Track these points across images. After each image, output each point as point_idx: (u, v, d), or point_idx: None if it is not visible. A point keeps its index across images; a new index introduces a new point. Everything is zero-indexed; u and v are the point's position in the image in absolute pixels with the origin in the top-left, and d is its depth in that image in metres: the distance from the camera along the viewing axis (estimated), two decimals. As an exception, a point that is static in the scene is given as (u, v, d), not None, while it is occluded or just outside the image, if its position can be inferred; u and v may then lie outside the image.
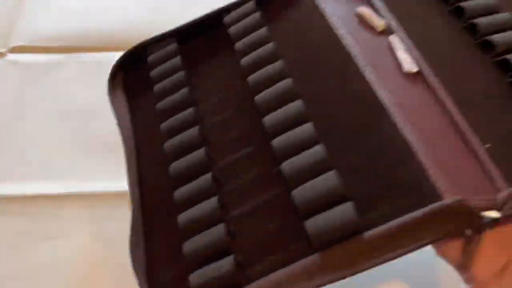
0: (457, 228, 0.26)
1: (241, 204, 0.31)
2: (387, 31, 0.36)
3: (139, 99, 0.40)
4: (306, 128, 0.31)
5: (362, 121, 0.31)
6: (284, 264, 0.27)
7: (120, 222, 0.34)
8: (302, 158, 0.29)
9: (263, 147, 0.32)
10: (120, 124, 0.37)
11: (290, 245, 0.28)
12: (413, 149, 0.29)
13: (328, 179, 0.28)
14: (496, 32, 0.33)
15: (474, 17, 0.34)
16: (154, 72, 0.39)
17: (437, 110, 0.32)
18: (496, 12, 0.35)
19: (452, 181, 0.28)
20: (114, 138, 0.37)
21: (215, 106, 0.37)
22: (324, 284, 0.26)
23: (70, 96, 0.46)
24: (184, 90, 0.36)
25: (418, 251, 0.26)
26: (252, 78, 0.35)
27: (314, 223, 0.27)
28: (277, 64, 0.35)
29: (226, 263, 0.27)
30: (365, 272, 0.26)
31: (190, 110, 0.35)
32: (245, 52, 0.37)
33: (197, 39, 0.41)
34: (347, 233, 0.26)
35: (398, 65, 0.34)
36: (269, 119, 0.32)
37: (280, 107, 0.32)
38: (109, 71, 0.41)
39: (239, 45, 0.37)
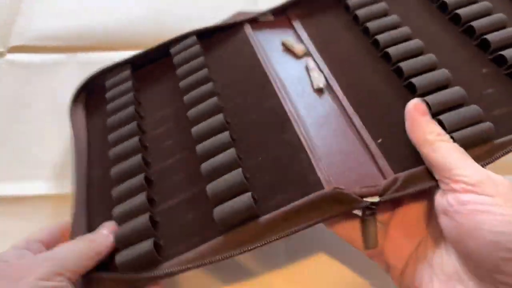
0: (342, 210, 0.31)
1: (169, 200, 0.36)
2: (306, 55, 0.42)
3: (95, 116, 0.45)
4: (224, 136, 0.36)
5: (270, 130, 0.37)
6: (197, 245, 0.31)
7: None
8: (218, 159, 0.35)
9: (192, 154, 0.37)
10: (75, 135, 0.42)
11: (204, 230, 0.33)
12: (306, 150, 0.34)
13: (235, 175, 0.33)
14: (395, 44, 0.39)
15: (377, 34, 0.40)
16: (109, 94, 0.44)
17: (340, 116, 0.37)
18: (394, 28, 0.40)
19: (341, 173, 0.33)
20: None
21: (157, 121, 0.42)
22: (230, 257, 0.30)
23: (69, 96, 0.44)
24: (131, 108, 0.42)
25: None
26: (186, 97, 0.41)
27: (220, 210, 0.32)
28: (208, 86, 0.40)
29: (146, 244, 0.32)
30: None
31: (134, 124, 0.40)
32: (184, 77, 0.43)
33: (148, 66, 0.47)
34: (246, 217, 0.31)
35: (311, 82, 0.40)
36: (196, 129, 0.37)
37: (205, 119, 0.38)
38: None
39: (179, 71, 0.43)
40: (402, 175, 0.31)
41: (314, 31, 0.44)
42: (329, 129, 0.36)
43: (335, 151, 0.35)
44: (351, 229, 0.34)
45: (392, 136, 0.34)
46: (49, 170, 0.45)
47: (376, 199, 0.31)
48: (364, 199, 0.31)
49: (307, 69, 0.41)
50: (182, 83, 0.42)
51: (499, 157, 0.31)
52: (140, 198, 0.35)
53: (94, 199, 0.38)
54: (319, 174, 0.32)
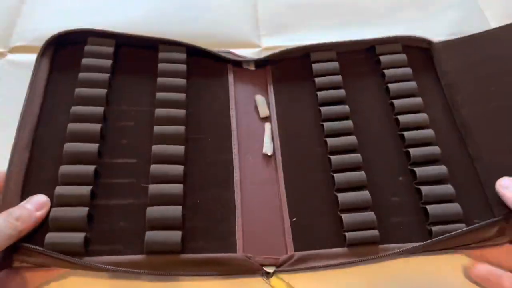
0: (244, 272, 0.39)
1: (109, 198, 0.41)
2: (267, 119, 0.49)
3: (60, 75, 0.46)
4: (177, 169, 0.42)
5: (215, 181, 0.43)
6: (120, 253, 0.38)
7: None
8: (166, 188, 0.41)
9: (145, 164, 0.42)
10: (32, 88, 0.44)
11: (131, 242, 0.39)
12: (236, 214, 0.42)
13: (175, 211, 0.40)
14: (338, 135, 0.45)
15: (325, 121, 0.46)
16: (85, 61, 0.46)
17: (274, 185, 0.44)
18: (346, 118, 0.47)
19: (256, 241, 0.41)
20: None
21: (122, 114, 0.45)
22: (140, 275, 0.37)
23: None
24: (102, 91, 0.44)
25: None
26: (157, 111, 0.44)
27: (152, 235, 0.38)
28: (180, 112, 0.45)
29: (77, 237, 0.37)
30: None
31: (99, 109, 0.43)
32: (161, 89, 0.46)
33: (133, 49, 0.49)
34: (169, 250, 0.38)
35: (261, 146, 0.47)
36: (156, 148, 0.42)
37: (167, 144, 0.43)
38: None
39: (160, 81, 0.46)
40: (298, 254, 0.39)
41: (282, 98, 0.49)
42: (262, 195, 0.43)
43: (258, 219, 0.42)
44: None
45: (305, 218, 0.42)
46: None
47: (272, 269, 0.39)
48: (263, 267, 0.39)
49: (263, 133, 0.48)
50: (158, 96, 0.46)
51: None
52: (85, 190, 0.39)
53: (36, 161, 0.41)
54: (237, 239, 0.40)
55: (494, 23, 0.58)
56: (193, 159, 0.44)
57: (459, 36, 0.52)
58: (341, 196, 0.41)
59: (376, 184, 0.43)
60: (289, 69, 0.51)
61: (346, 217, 0.40)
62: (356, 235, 0.39)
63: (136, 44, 0.49)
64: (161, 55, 0.49)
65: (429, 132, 0.45)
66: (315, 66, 0.50)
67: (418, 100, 0.47)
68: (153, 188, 0.41)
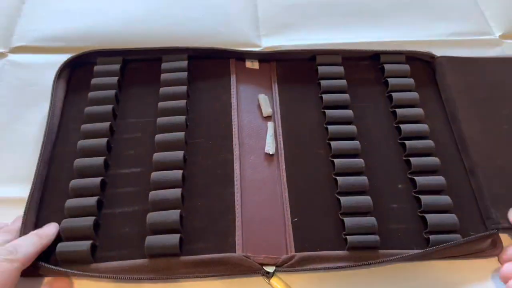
0: (244, 272, 0.39)
1: (115, 207, 0.42)
2: (270, 118, 0.48)
3: (77, 94, 0.49)
4: (176, 174, 0.42)
5: (215, 181, 0.44)
6: (126, 258, 0.39)
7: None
8: (165, 193, 0.41)
9: (149, 171, 0.43)
10: (52, 111, 0.46)
11: (136, 247, 0.40)
12: (236, 214, 0.41)
13: (173, 215, 0.40)
14: (341, 138, 0.46)
15: (329, 124, 0.47)
16: (94, 81, 0.49)
17: (276, 183, 0.44)
18: (348, 123, 0.47)
19: (256, 240, 0.40)
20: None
21: (128, 126, 0.47)
22: (147, 279, 0.38)
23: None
24: (109, 107, 0.46)
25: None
26: (159, 120, 0.46)
27: (151, 239, 0.39)
28: (181, 118, 0.46)
29: (84, 245, 0.38)
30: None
31: (106, 124, 0.45)
32: (164, 98, 0.48)
33: (140, 63, 0.51)
34: (169, 253, 0.38)
35: (264, 145, 0.46)
36: (157, 156, 0.43)
37: (168, 150, 0.44)
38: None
39: (163, 90, 0.48)
40: (299, 254, 0.39)
41: (286, 97, 0.50)
42: (263, 194, 0.43)
43: (259, 219, 0.42)
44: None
45: (307, 218, 0.42)
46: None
47: (272, 269, 0.39)
48: (264, 267, 0.39)
49: (266, 131, 0.48)
50: (160, 105, 0.47)
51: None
52: (92, 201, 0.41)
53: (52, 182, 0.43)
54: (236, 238, 0.40)
55: (494, 23, 0.60)
56: (193, 162, 0.45)
57: (459, 36, 0.54)
58: (344, 200, 0.41)
59: (376, 189, 0.43)
60: (294, 70, 0.52)
61: (348, 220, 0.40)
62: (357, 239, 0.40)
63: (142, 58, 0.51)
64: (164, 65, 0.50)
65: (429, 143, 0.46)
66: (321, 69, 0.50)
67: (419, 110, 0.48)
68: (153, 194, 0.42)
